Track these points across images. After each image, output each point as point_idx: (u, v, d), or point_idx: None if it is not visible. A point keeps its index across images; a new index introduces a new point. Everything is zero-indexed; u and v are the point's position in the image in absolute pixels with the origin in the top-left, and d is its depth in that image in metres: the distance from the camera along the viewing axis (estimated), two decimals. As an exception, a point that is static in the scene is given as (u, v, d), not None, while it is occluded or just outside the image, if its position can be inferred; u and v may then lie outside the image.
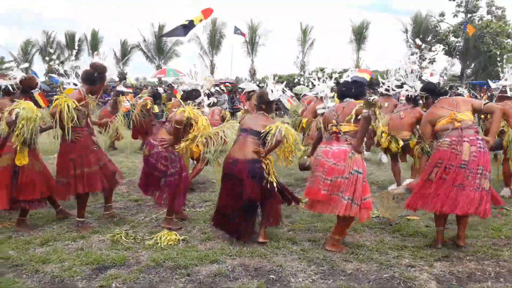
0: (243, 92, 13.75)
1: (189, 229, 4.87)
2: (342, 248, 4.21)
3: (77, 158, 4.68)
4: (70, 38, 38.85)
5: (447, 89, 4.87)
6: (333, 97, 6.20)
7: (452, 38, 33.62)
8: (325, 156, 4.14)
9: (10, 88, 5.28)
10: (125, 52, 38.36)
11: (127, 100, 15.17)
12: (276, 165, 4.56)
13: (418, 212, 4.74)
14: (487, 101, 4.70)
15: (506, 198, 6.05)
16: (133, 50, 38.53)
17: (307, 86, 9.53)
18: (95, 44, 38.75)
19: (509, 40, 33.22)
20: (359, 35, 37.94)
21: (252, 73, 37.21)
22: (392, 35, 43.25)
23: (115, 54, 37.93)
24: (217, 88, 13.26)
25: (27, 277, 3.64)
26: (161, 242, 4.35)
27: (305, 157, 5.40)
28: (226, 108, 14.25)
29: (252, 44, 38.11)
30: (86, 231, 4.73)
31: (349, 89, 4.43)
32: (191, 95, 5.12)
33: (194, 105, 4.93)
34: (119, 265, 3.87)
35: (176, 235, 4.50)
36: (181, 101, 5.08)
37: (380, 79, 8.04)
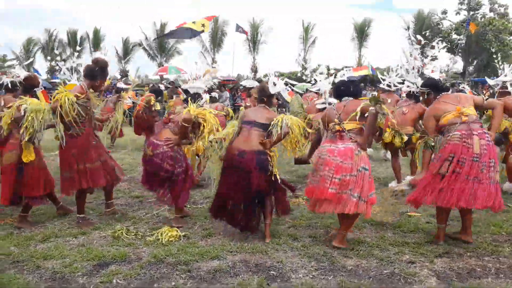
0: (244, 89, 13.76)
1: (190, 225, 4.88)
2: (347, 244, 4.22)
3: (79, 153, 4.68)
4: (72, 36, 38.89)
5: (448, 85, 4.89)
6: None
7: (454, 36, 33.50)
8: (331, 155, 4.11)
9: (9, 85, 5.29)
10: (127, 50, 38.37)
11: (129, 97, 15.20)
12: (277, 162, 4.56)
13: (419, 208, 4.74)
14: (487, 97, 4.72)
15: (508, 194, 6.05)
16: (135, 49, 38.51)
17: (309, 82, 9.51)
18: (97, 42, 38.77)
19: (511, 37, 33.10)
20: (361, 33, 37.85)
21: (254, 71, 37.17)
22: (394, 33, 43.09)
23: (117, 52, 37.96)
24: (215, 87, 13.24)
25: (28, 273, 3.65)
26: (162, 238, 4.36)
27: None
28: (228, 105, 14.25)
29: (253, 42, 38.05)
30: (87, 227, 4.75)
31: (348, 88, 4.44)
32: (193, 98, 5.14)
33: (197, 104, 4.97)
34: (120, 261, 3.88)
35: (177, 231, 4.51)
36: (184, 102, 5.11)
37: (380, 76, 8.02)
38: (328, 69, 7.42)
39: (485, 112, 6.11)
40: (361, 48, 38.38)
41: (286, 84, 5.08)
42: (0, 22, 56.73)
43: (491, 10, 34.30)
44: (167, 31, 32.75)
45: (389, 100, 7.20)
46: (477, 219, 4.88)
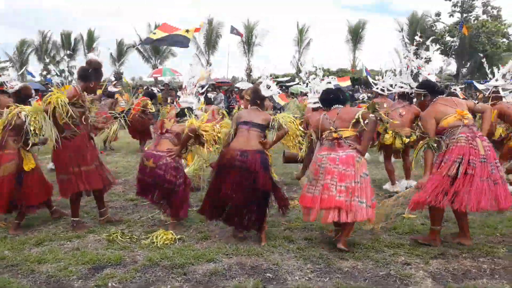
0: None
1: (186, 228, 4.86)
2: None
3: (74, 156, 4.65)
4: (66, 38, 38.76)
5: (443, 88, 4.90)
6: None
7: (448, 38, 33.71)
8: (332, 163, 4.11)
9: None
10: (121, 52, 38.30)
11: (123, 99, 15.18)
12: (272, 164, 4.59)
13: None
14: (477, 101, 4.75)
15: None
16: (129, 50, 38.44)
17: (304, 83, 9.53)
18: (91, 44, 38.64)
19: (504, 39, 33.35)
20: (356, 35, 37.99)
21: (249, 73, 37.20)
22: (388, 35, 43.42)
23: (111, 54, 37.86)
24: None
25: (22, 277, 3.62)
26: (157, 241, 4.35)
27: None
28: (222, 107, 14.25)
29: (248, 44, 38.10)
30: (81, 231, 4.72)
31: (337, 96, 4.49)
32: (185, 112, 5.12)
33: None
34: (115, 264, 3.86)
35: (172, 234, 4.49)
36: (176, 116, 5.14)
37: (371, 80, 8.02)
38: (322, 70, 7.45)
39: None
40: (356, 50, 38.55)
41: (281, 86, 5.16)
42: (-1, 22, 56.57)
43: (484, 12, 34.59)
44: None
45: (385, 105, 7.21)
46: (472, 220, 4.90)
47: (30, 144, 4.70)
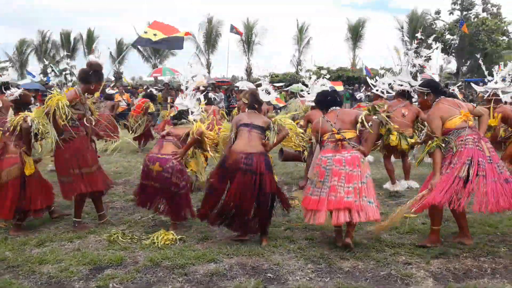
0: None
1: (186, 229, 4.86)
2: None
3: (73, 158, 4.66)
4: (66, 37, 38.73)
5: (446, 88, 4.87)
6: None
7: (448, 36, 33.69)
8: (339, 165, 4.10)
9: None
10: (121, 52, 38.27)
11: (123, 99, 15.21)
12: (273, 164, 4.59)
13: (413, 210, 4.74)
14: (478, 102, 4.72)
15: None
16: (129, 50, 38.40)
17: (304, 83, 9.55)
18: (90, 43, 38.60)
19: (504, 37, 33.32)
20: (355, 34, 37.95)
21: (249, 72, 37.17)
22: (388, 33, 43.25)
23: (110, 54, 37.83)
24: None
25: (23, 278, 3.63)
26: (158, 242, 4.35)
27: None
28: (222, 107, 14.25)
29: (248, 43, 38.06)
30: (82, 231, 4.72)
31: (334, 98, 4.51)
32: (182, 115, 5.12)
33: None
34: (116, 265, 3.86)
35: (173, 234, 4.49)
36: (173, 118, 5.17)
37: (370, 82, 8.00)
38: (322, 69, 7.46)
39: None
40: (356, 49, 38.52)
41: (279, 87, 5.22)
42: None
43: (484, 10, 34.54)
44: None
45: (385, 106, 7.19)
46: (473, 219, 4.91)
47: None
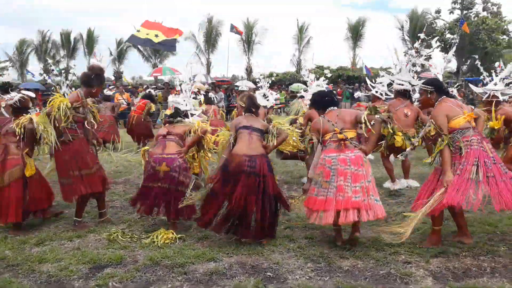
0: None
1: (186, 228, 4.87)
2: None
3: (73, 160, 4.68)
4: (66, 37, 38.72)
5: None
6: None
7: (448, 35, 33.67)
8: (344, 164, 4.10)
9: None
10: (121, 51, 38.27)
11: (123, 99, 15.22)
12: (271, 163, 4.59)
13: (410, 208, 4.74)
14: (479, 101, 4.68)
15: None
16: (129, 49, 38.41)
17: (304, 82, 9.58)
18: (91, 43, 38.63)
19: (504, 36, 33.31)
20: (355, 33, 37.93)
21: (249, 71, 37.17)
22: (388, 32, 43.18)
23: (110, 53, 37.84)
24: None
25: (23, 276, 3.63)
26: (157, 241, 4.35)
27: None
28: (222, 106, 14.25)
29: (248, 43, 38.06)
30: (82, 230, 4.73)
31: (332, 98, 4.53)
32: (178, 113, 5.13)
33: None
34: (115, 264, 3.86)
35: (172, 233, 4.49)
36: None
37: (369, 83, 7.98)
38: (323, 69, 7.48)
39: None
40: (356, 48, 38.51)
41: (280, 85, 5.25)
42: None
43: (484, 9, 34.53)
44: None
45: (385, 107, 7.18)
46: (473, 218, 4.91)
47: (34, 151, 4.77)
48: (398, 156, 6.06)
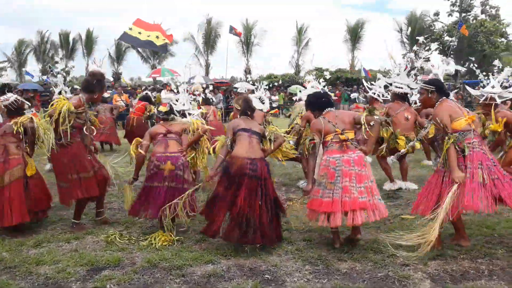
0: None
1: (184, 230, 4.86)
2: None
3: (71, 163, 4.69)
4: (64, 38, 38.69)
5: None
6: None
7: (446, 38, 33.73)
8: (348, 165, 4.10)
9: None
10: (119, 52, 38.25)
11: (122, 100, 15.21)
12: (271, 166, 4.59)
13: (410, 211, 4.74)
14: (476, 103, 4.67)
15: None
16: (128, 50, 38.39)
17: (303, 84, 9.61)
18: (89, 44, 38.60)
19: (503, 39, 33.38)
20: (354, 35, 37.95)
21: (248, 73, 37.19)
22: (387, 34, 43.06)
23: (109, 54, 37.81)
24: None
25: (20, 279, 3.62)
26: (155, 243, 4.35)
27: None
28: (221, 108, 14.25)
29: (247, 44, 38.07)
30: (80, 232, 4.73)
31: (329, 99, 4.55)
32: (173, 111, 5.15)
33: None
34: (113, 266, 3.86)
35: (170, 235, 4.48)
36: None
37: (366, 84, 8.00)
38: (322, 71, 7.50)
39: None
40: (354, 50, 38.53)
41: (279, 87, 5.29)
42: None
43: (482, 12, 34.59)
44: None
45: (383, 109, 7.19)
46: (470, 221, 4.91)
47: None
48: (391, 157, 6.08)
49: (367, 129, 4.23)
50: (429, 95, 4.32)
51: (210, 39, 37.88)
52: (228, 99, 20.56)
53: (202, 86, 10.53)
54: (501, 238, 4.58)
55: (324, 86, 7.89)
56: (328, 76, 8.63)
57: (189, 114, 5.23)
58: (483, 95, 5.69)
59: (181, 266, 3.82)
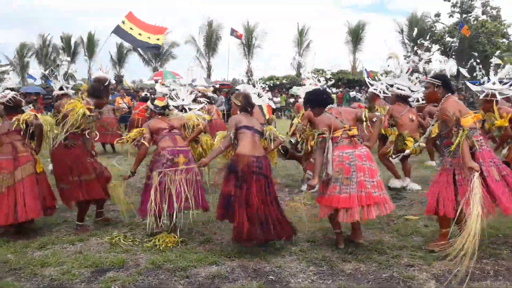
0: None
1: (188, 231, 4.86)
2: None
3: (73, 165, 4.70)
4: (66, 41, 38.80)
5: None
6: None
7: (448, 39, 33.72)
8: (360, 160, 4.12)
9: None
10: (121, 55, 38.35)
11: (124, 102, 15.24)
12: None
13: (416, 212, 4.74)
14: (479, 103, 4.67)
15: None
16: (130, 53, 38.48)
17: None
18: (91, 47, 38.69)
19: (504, 40, 33.35)
20: (356, 36, 37.97)
21: (249, 75, 37.20)
22: (388, 36, 43.04)
23: (111, 57, 37.92)
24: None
25: (25, 280, 3.63)
26: (159, 244, 4.35)
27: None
28: (223, 110, 14.24)
29: (248, 46, 38.11)
30: (84, 234, 4.74)
31: (329, 96, 4.59)
32: (168, 105, 5.18)
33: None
34: (117, 267, 3.86)
35: (174, 237, 4.48)
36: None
37: (367, 80, 8.01)
38: (323, 72, 7.52)
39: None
40: (356, 52, 38.54)
41: (280, 88, 5.32)
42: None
43: (483, 12, 34.58)
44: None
45: (386, 106, 7.19)
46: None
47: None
48: (393, 157, 6.09)
49: (368, 125, 4.28)
50: (435, 89, 4.27)
51: (211, 41, 37.96)
52: (230, 101, 20.54)
53: (213, 86, 10.61)
54: (506, 238, 4.57)
55: (324, 85, 7.91)
56: (328, 76, 8.64)
57: (190, 109, 5.27)
58: (484, 91, 5.70)
59: (185, 268, 3.82)
